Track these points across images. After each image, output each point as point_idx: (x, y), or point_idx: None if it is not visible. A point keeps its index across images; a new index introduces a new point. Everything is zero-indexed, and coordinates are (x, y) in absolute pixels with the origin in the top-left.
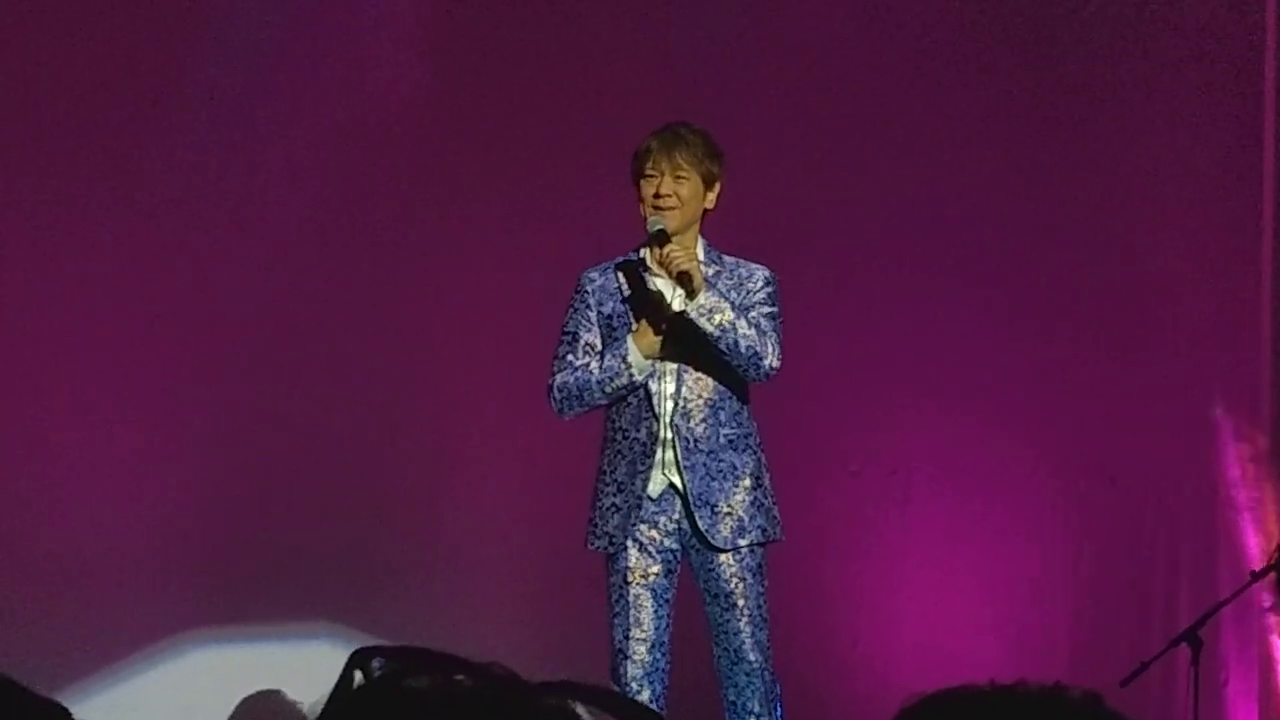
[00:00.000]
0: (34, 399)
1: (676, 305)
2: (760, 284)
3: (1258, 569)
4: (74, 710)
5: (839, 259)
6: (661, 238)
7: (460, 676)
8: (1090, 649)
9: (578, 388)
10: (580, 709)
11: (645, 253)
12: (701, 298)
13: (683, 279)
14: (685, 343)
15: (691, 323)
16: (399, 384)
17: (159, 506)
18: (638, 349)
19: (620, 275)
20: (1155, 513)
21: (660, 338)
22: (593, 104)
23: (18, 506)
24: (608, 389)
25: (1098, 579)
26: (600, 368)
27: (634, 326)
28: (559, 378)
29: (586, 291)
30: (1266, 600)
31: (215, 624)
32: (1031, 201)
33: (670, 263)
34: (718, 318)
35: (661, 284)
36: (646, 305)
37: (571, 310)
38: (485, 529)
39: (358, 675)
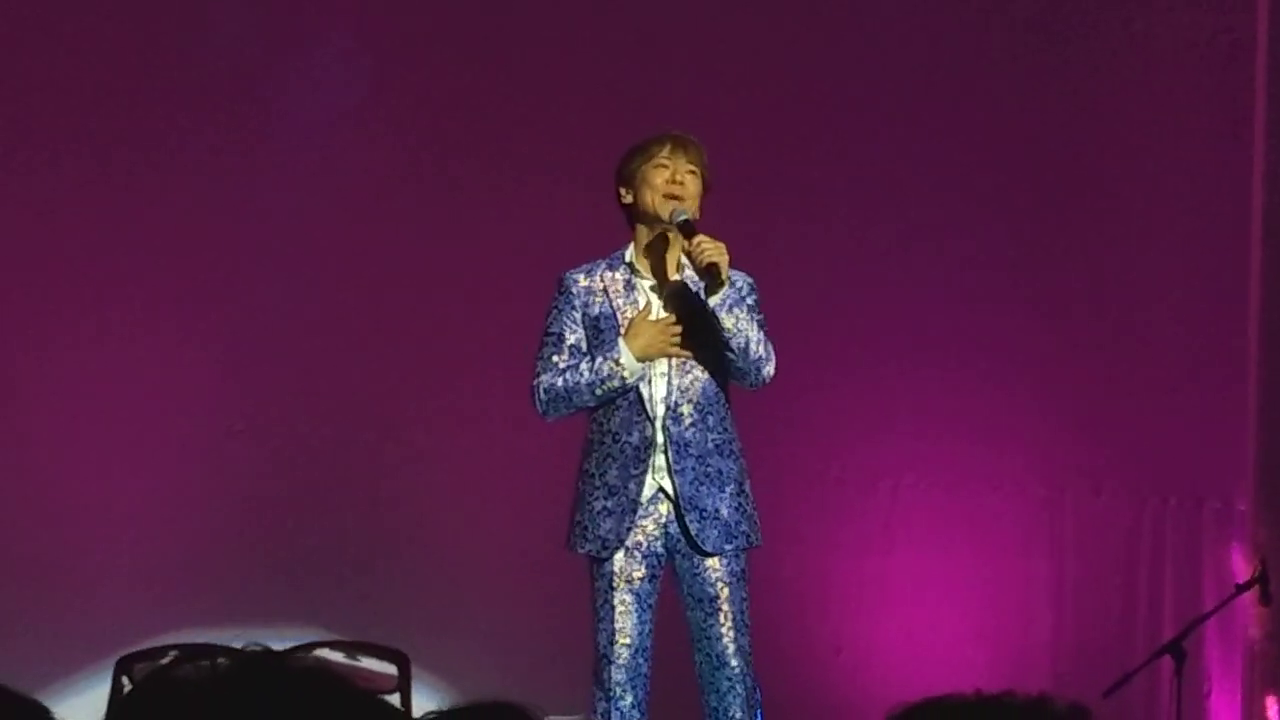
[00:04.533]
0: (27, 401)
1: (665, 307)
2: (746, 291)
3: (1242, 582)
4: (56, 710)
5: (825, 265)
6: (687, 228)
7: (221, 659)
8: (1074, 659)
9: (566, 390)
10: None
11: (630, 255)
12: (725, 292)
13: (711, 270)
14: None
15: (685, 323)
16: (390, 388)
17: (149, 509)
18: (630, 351)
19: (608, 277)
20: (1140, 524)
21: (676, 337)
22: (588, 107)
23: (5, 507)
24: (598, 391)
25: (1082, 589)
26: (591, 370)
27: (623, 329)
28: (545, 379)
29: (571, 293)
30: (1250, 613)
31: (202, 626)
32: (1018, 212)
33: (700, 253)
34: (738, 312)
35: (649, 287)
36: (676, 299)
37: (555, 311)
38: (475, 532)
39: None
